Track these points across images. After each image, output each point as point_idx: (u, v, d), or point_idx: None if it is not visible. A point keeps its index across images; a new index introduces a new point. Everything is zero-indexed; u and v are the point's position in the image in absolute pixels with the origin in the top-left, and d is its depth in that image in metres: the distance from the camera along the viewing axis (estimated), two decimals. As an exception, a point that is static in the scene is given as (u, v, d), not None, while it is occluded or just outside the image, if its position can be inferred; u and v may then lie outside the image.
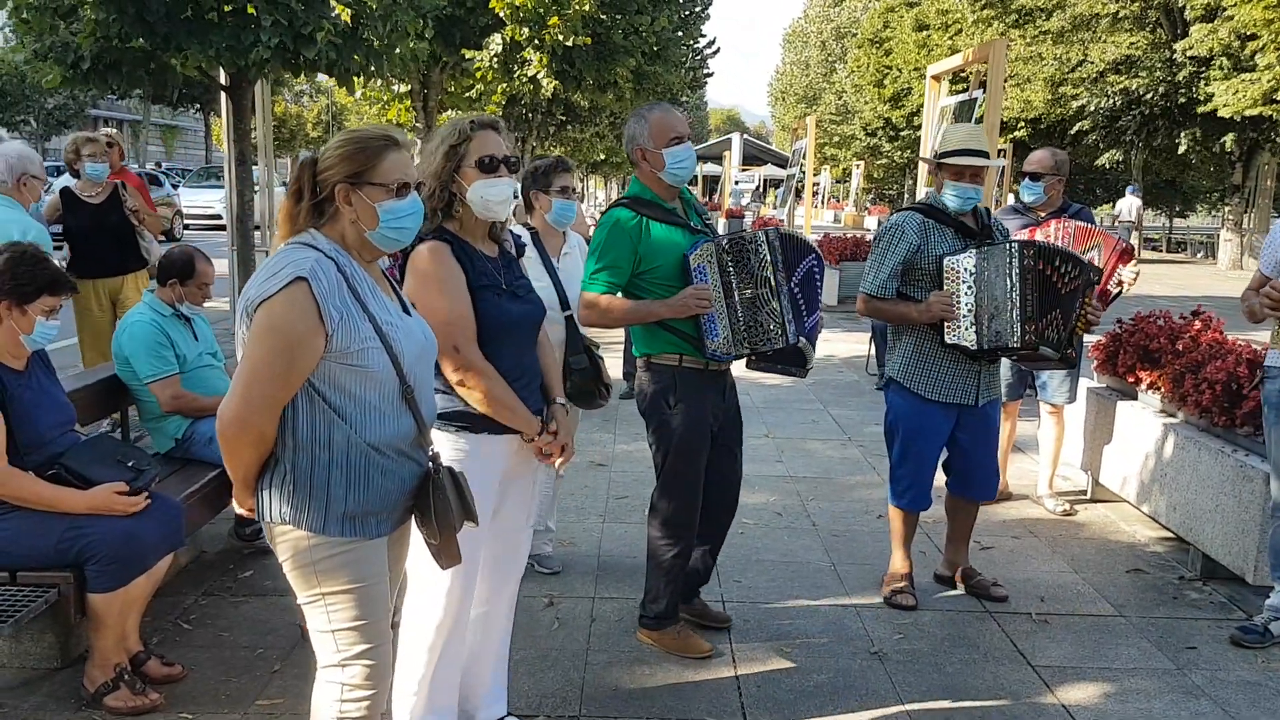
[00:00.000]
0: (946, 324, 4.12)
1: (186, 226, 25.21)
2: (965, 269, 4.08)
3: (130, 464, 3.60)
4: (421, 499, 2.46)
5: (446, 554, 2.51)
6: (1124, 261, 5.27)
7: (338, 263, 2.32)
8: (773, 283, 3.60)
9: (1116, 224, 27.00)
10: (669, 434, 3.75)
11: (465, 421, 2.89)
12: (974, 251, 4.10)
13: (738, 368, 3.88)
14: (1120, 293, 5.34)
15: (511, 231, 3.17)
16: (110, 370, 4.58)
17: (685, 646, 3.90)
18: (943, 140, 4.33)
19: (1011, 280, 4.02)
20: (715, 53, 29.13)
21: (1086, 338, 4.35)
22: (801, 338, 3.67)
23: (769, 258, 3.59)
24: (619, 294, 3.68)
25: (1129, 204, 26.82)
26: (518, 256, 3.11)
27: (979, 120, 9.20)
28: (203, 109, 43.05)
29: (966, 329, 4.09)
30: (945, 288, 4.12)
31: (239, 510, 2.47)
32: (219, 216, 26.73)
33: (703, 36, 26.54)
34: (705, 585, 4.19)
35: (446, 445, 2.87)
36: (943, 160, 4.22)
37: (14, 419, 3.41)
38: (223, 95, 9.19)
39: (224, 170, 10.19)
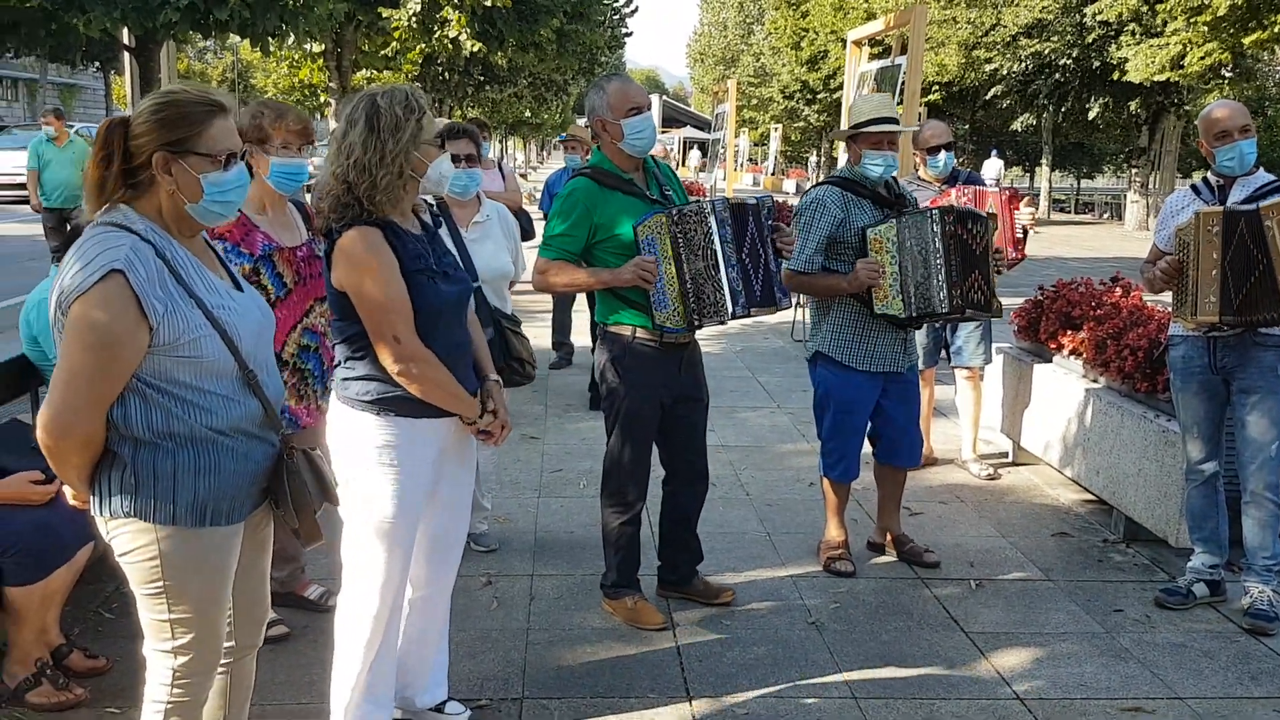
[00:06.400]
0: (875, 294, 4.16)
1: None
2: (889, 238, 4.13)
3: (45, 450, 3.43)
4: (275, 482, 2.35)
5: (306, 534, 2.41)
6: (1015, 205, 5.45)
7: (155, 245, 2.16)
8: (719, 255, 3.59)
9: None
10: (617, 403, 3.81)
11: (394, 407, 2.79)
12: (896, 220, 4.16)
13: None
14: (1027, 234, 5.53)
15: (425, 201, 3.08)
16: (17, 349, 4.35)
17: (637, 617, 3.91)
18: (854, 113, 4.33)
19: (935, 246, 4.09)
20: (634, 12, 28.99)
21: (1006, 303, 4.47)
22: (752, 309, 3.69)
23: (715, 230, 3.58)
24: (574, 261, 3.72)
25: (994, 165, 30.20)
26: (436, 229, 3.02)
27: (901, 87, 9.25)
28: (103, 68, 41.13)
29: (894, 297, 4.15)
30: (870, 258, 4.16)
31: (73, 502, 2.30)
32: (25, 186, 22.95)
33: (620, -4, 26.39)
34: (700, 563, 4.16)
35: (375, 432, 2.78)
36: (860, 131, 4.21)
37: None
38: (127, 56, 8.81)
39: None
